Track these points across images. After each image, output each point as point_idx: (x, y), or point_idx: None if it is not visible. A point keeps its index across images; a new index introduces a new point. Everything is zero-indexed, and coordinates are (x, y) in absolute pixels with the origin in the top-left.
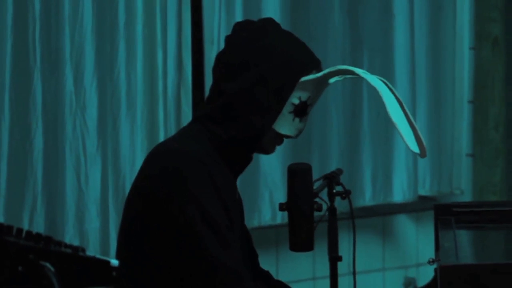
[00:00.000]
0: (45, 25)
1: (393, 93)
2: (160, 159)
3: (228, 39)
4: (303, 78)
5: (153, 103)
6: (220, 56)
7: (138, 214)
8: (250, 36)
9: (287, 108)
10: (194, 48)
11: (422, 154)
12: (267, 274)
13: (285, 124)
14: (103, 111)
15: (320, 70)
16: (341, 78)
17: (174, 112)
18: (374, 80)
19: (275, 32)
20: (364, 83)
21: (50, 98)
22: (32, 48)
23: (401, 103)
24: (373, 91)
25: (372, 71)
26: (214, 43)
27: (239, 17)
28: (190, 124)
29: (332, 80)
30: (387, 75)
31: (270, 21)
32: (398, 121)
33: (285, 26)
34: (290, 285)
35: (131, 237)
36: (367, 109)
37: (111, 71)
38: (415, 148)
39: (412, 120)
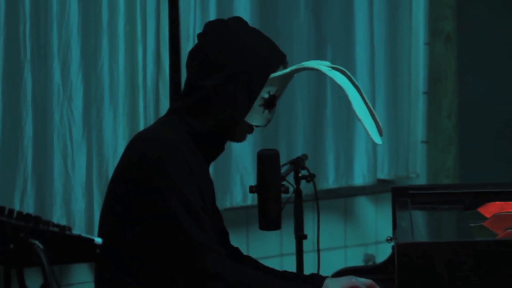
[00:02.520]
0: (35, 22)
1: (353, 82)
2: (141, 146)
3: (200, 37)
4: (272, 75)
5: (134, 94)
6: (193, 53)
7: (120, 196)
8: (222, 35)
9: (258, 102)
10: (171, 44)
11: (380, 135)
12: (237, 250)
13: (256, 116)
14: (88, 101)
15: (286, 64)
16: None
17: (153, 103)
18: (337, 76)
19: (245, 31)
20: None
21: (39, 89)
22: (23, 44)
23: (361, 92)
24: (336, 83)
25: (335, 65)
26: (190, 39)
27: (213, 15)
28: (167, 114)
29: (296, 73)
30: (349, 69)
31: (239, 20)
32: (360, 113)
33: (254, 23)
34: (259, 261)
35: (113, 217)
36: (330, 100)
37: (95, 65)
38: (376, 138)
39: (371, 107)
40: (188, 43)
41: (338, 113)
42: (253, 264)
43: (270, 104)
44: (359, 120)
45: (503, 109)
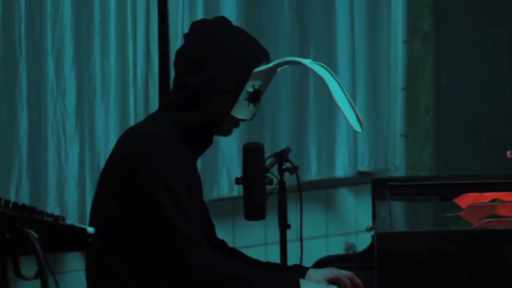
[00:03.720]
0: (30, 21)
1: (334, 78)
2: (131, 141)
3: (187, 36)
4: (256, 69)
5: (125, 90)
6: (180, 52)
7: (110, 188)
8: (207, 34)
9: (243, 96)
10: (160, 42)
11: (361, 127)
12: (223, 243)
13: (241, 110)
14: (81, 97)
15: (269, 60)
16: (287, 66)
17: (143, 98)
18: (318, 69)
19: (228, 29)
20: (310, 72)
21: (34, 85)
22: (18, 42)
23: (341, 86)
24: (318, 79)
25: (317, 61)
26: (178, 38)
27: (200, 15)
28: (157, 111)
29: (280, 68)
30: (330, 65)
31: (223, 19)
32: (341, 103)
33: (240, 22)
34: (245, 250)
35: (104, 208)
36: (313, 96)
37: (87, 62)
38: (356, 127)
39: (350, 100)
40: (176, 41)
41: (320, 109)
42: (239, 256)
43: (254, 98)
44: (339, 108)
45: (478, 104)
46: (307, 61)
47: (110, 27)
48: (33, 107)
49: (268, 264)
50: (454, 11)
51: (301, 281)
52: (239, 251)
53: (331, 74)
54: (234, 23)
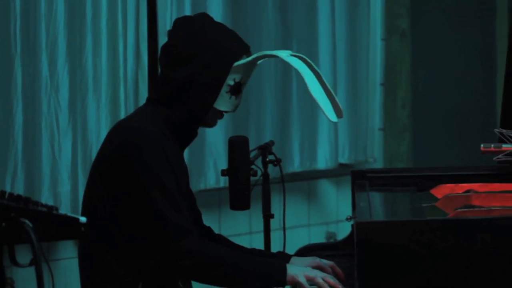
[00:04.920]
0: (25, 20)
1: (312, 68)
2: (121, 134)
3: (170, 33)
4: (236, 63)
5: (115, 85)
6: (165, 48)
7: (101, 180)
8: (190, 30)
9: (225, 89)
10: (149, 39)
11: (339, 115)
12: (209, 230)
13: (223, 102)
14: (74, 92)
15: (249, 54)
16: (270, 61)
17: (133, 93)
18: (295, 61)
19: (209, 25)
20: (293, 68)
21: (28, 81)
22: (14, 39)
23: (319, 76)
24: (295, 69)
25: (296, 53)
26: (167, 35)
27: (188, 13)
28: (144, 105)
29: (259, 61)
30: (312, 62)
31: (204, 15)
32: (316, 94)
33: (226, 20)
34: (230, 238)
35: (95, 198)
36: (296, 90)
37: (80, 59)
38: (331, 116)
39: (331, 90)
40: (165, 39)
41: (303, 103)
42: (224, 242)
43: (236, 90)
44: (314, 99)
45: (453, 99)
46: (284, 54)
47: (101, 25)
48: (28, 102)
49: (253, 251)
50: (430, 11)
51: (288, 266)
52: (225, 238)
53: (310, 65)
54: (221, 21)
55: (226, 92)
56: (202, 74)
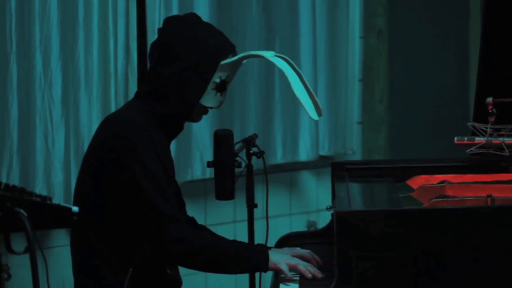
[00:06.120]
0: (19, 19)
1: (294, 68)
2: (111, 127)
3: (161, 31)
4: (222, 62)
5: (106, 81)
6: (155, 45)
7: (93, 170)
8: (180, 29)
9: (211, 86)
10: (139, 37)
11: (319, 114)
12: (192, 220)
13: (209, 99)
14: (66, 87)
15: (235, 53)
16: (253, 59)
17: (123, 89)
18: (279, 62)
19: (198, 25)
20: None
21: (23, 77)
22: (9, 37)
23: (301, 76)
24: (278, 69)
25: (279, 54)
26: (155, 33)
27: (175, 12)
28: (133, 99)
29: (245, 60)
30: (294, 59)
31: (193, 15)
32: (299, 94)
33: (212, 19)
34: (215, 227)
35: (87, 188)
36: (278, 86)
37: (72, 56)
38: (313, 115)
39: (311, 89)
40: (153, 37)
41: (285, 99)
42: (207, 232)
43: (221, 88)
44: (297, 98)
45: (428, 94)
46: (269, 55)
47: (93, 24)
48: (23, 96)
49: (235, 241)
50: (406, 9)
51: (270, 253)
52: (208, 228)
53: (292, 65)
54: (207, 20)
55: (212, 89)
56: (190, 72)
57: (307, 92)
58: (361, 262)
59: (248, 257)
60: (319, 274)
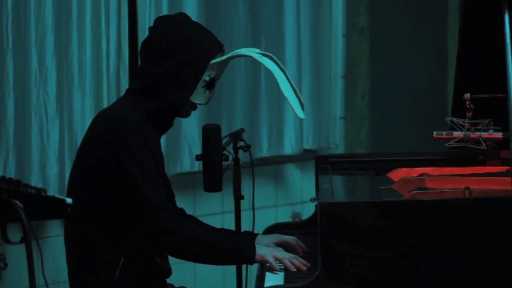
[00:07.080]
0: (16, 17)
1: (280, 67)
2: (104, 122)
3: (152, 30)
4: (212, 61)
5: (99, 78)
6: (145, 44)
7: (86, 163)
8: (170, 28)
9: (200, 84)
10: (130, 36)
11: (302, 108)
12: (181, 211)
13: (198, 96)
14: (61, 83)
15: (223, 52)
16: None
17: (115, 85)
18: (266, 61)
19: (188, 24)
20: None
21: (19, 73)
22: (5, 36)
23: (286, 75)
24: (266, 68)
25: (265, 52)
26: (146, 32)
27: (165, 11)
28: (125, 96)
29: (233, 59)
30: (279, 56)
31: (183, 15)
32: (286, 93)
33: (200, 18)
34: (204, 218)
35: (80, 181)
36: (264, 82)
37: (66, 53)
38: (299, 113)
39: (295, 87)
40: (144, 35)
41: (271, 94)
42: (196, 222)
43: (210, 85)
44: (285, 97)
45: (408, 90)
46: (256, 55)
47: (86, 23)
48: (19, 92)
49: (223, 230)
50: (387, 9)
51: (256, 245)
52: (196, 218)
53: (278, 64)
54: (195, 19)
55: (202, 87)
56: (181, 70)
57: (292, 90)
58: (344, 251)
59: (236, 251)
60: (303, 267)
